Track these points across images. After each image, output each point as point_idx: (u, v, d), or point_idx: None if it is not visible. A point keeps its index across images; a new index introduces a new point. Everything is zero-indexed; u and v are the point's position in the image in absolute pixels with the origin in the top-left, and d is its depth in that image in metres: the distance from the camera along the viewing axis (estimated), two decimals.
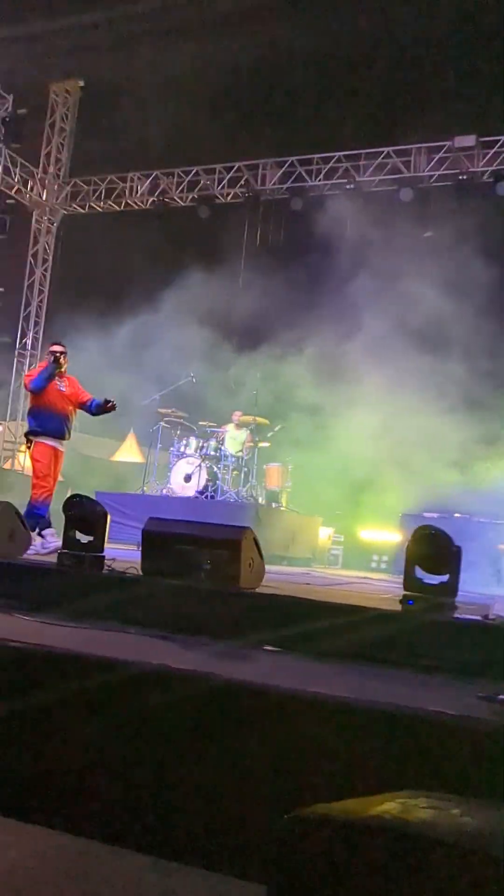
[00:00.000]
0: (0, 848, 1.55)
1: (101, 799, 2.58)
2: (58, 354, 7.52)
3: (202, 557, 4.69)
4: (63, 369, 7.55)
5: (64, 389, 7.56)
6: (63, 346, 7.72)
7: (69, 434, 7.63)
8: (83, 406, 7.71)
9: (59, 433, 7.52)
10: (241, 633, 4.16)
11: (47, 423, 7.47)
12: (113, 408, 7.65)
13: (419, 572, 4.48)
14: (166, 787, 2.62)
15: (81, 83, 18.13)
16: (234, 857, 2.17)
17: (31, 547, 6.12)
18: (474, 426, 11.89)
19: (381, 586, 8.17)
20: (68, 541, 5.11)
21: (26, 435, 7.64)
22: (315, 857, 1.03)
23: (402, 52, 14.05)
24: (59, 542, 6.16)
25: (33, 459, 7.49)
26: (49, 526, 7.33)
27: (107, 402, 7.61)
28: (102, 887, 1.53)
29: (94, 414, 7.77)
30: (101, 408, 7.65)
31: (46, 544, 7.09)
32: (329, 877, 1.02)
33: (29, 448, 7.61)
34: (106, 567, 4.97)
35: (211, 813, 2.47)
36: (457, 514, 11.55)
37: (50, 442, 7.45)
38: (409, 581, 4.43)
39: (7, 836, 1.62)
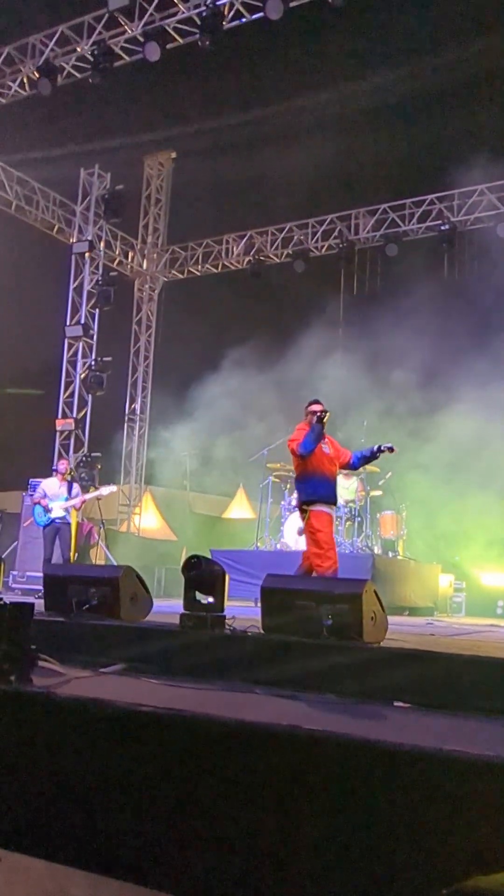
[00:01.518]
0: None
1: (250, 874, 2.52)
2: (320, 414, 6.97)
3: (323, 613, 4.62)
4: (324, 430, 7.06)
5: (328, 451, 7.07)
6: (322, 404, 7.16)
7: (336, 498, 7.20)
8: (347, 465, 7.29)
9: (332, 499, 7.08)
10: (368, 688, 4.06)
11: (320, 488, 6.96)
12: (391, 450, 7.10)
13: None
14: (306, 854, 2.54)
15: (174, 154, 18.85)
16: None
17: None
18: None
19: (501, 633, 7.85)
20: (189, 602, 5.13)
21: (300, 506, 7.15)
22: None
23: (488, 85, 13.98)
24: None
25: (314, 530, 6.92)
26: None
27: (380, 448, 7.07)
28: None
29: (356, 467, 7.41)
30: (373, 454, 7.15)
31: None
32: None
33: (303, 519, 7.13)
34: (227, 626, 4.96)
35: (355, 880, 2.37)
36: None
37: (327, 509, 6.96)
38: None
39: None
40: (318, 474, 6.94)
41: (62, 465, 10.96)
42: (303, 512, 7.09)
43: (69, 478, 10.72)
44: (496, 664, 4.35)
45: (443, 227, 15.26)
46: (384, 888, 2.36)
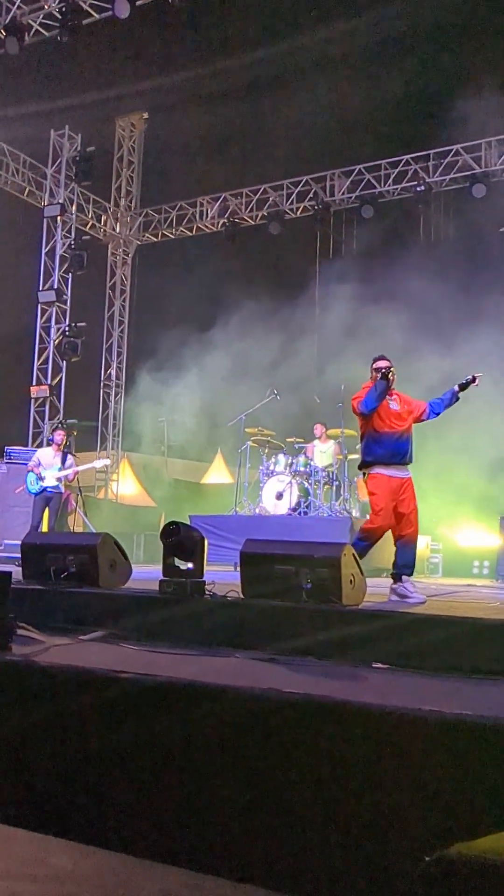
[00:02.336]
0: (133, 888, 1.53)
1: (233, 834, 2.54)
2: (384, 370, 6.53)
3: (302, 577, 4.64)
4: (391, 386, 6.58)
5: (396, 408, 6.59)
6: (388, 360, 6.72)
7: (411, 457, 6.61)
8: (424, 417, 6.74)
9: (395, 457, 6.51)
10: (348, 651, 4.09)
11: (379, 448, 6.53)
12: (473, 381, 6.60)
13: None
14: (289, 818, 2.56)
15: (146, 115, 18.51)
16: (344, 888, 2.10)
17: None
18: None
19: (487, 593, 7.95)
20: (168, 568, 5.13)
21: (360, 467, 6.90)
22: None
23: (466, 47, 13.81)
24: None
25: (369, 493, 6.62)
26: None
27: (465, 383, 6.60)
28: None
29: (439, 414, 6.77)
30: (455, 395, 6.66)
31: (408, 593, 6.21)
32: None
33: (364, 481, 6.87)
34: (207, 592, 4.97)
35: (347, 847, 2.40)
36: None
37: (385, 471, 6.48)
38: None
39: (139, 878, 1.59)
40: (379, 434, 6.52)
41: (58, 436, 11.24)
42: (364, 474, 6.75)
43: (64, 448, 11.05)
44: (473, 624, 4.39)
45: (418, 189, 15.15)
46: (365, 848, 2.39)
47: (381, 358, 6.70)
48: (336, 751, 2.74)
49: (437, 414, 6.72)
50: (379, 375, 6.52)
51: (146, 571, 7.96)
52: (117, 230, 18.58)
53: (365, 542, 6.41)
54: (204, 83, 14.67)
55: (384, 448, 6.47)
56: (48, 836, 1.72)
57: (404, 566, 6.38)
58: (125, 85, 15.34)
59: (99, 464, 12.01)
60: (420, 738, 2.63)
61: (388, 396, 6.52)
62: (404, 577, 6.26)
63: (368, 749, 2.68)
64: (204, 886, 1.65)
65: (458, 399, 6.67)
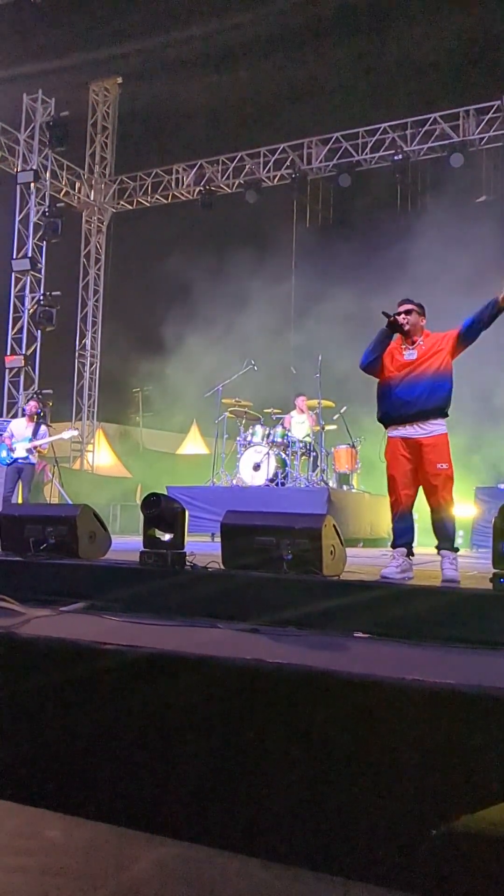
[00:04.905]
0: (125, 862, 1.53)
1: (219, 804, 2.56)
2: (391, 317, 5.47)
3: (283, 548, 4.66)
4: (406, 329, 5.45)
5: (413, 356, 5.47)
6: (411, 303, 5.60)
7: (437, 408, 5.40)
8: (462, 339, 5.40)
9: (404, 416, 5.42)
10: (329, 621, 4.12)
11: (387, 405, 5.53)
12: None
13: None
14: (278, 788, 2.58)
15: (119, 80, 18.18)
16: (356, 860, 2.14)
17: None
18: None
19: (462, 563, 8.00)
20: (148, 539, 5.12)
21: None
22: (475, 874, 0.98)
23: (443, 13, 13.66)
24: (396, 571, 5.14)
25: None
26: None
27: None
28: None
29: (477, 331, 5.35)
30: (497, 307, 5.19)
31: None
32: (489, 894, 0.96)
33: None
34: (188, 563, 4.97)
35: (324, 814, 2.43)
36: None
37: (395, 432, 5.48)
38: (498, 558, 4.31)
39: (131, 848, 1.60)
40: (384, 384, 5.56)
41: (30, 407, 11.16)
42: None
43: (40, 419, 11.00)
44: (451, 593, 4.44)
45: (396, 158, 15.05)
46: (347, 816, 2.42)
47: (402, 302, 5.65)
48: (319, 719, 2.76)
49: (476, 324, 5.33)
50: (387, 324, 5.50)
51: (123, 542, 7.96)
52: (92, 197, 18.32)
53: (393, 521, 5.61)
54: (179, 48, 14.42)
55: (390, 404, 5.49)
56: (40, 808, 1.72)
57: (439, 539, 5.42)
58: (98, 49, 15.04)
59: (67, 434, 11.97)
60: (403, 707, 2.66)
61: (406, 345, 5.52)
62: (443, 552, 5.30)
63: (351, 717, 2.70)
64: (196, 857, 1.66)
65: (499, 305, 5.19)
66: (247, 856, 1.62)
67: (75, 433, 12.70)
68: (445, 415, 5.46)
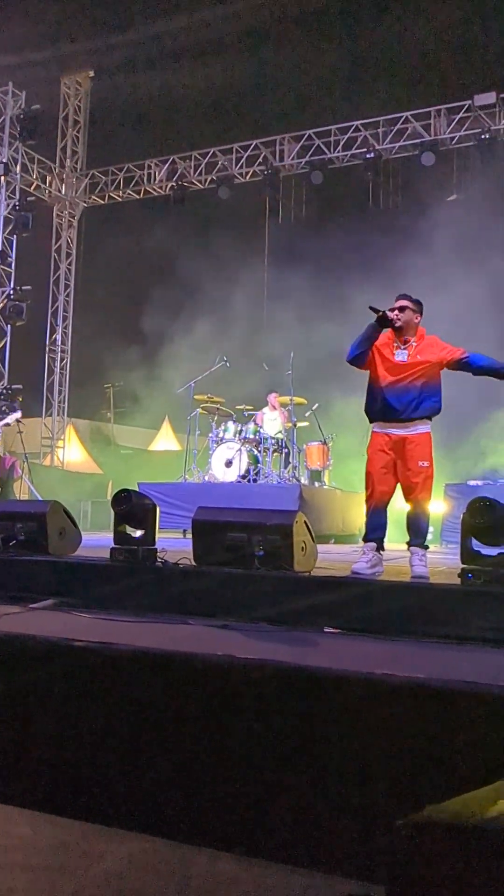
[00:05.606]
0: (95, 857, 1.54)
1: (188, 799, 2.57)
2: (378, 312, 5.36)
3: (254, 544, 4.67)
4: (397, 326, 5.38)
5: (403, 359, 5.41)
6: (407, 299, 5.53)
7: (425, 410, 5.39)
8: (461, 366, 5.39)
9: (389, 414, 5.41)
10: (300, 617, 4.14)
11: (373, 402, 5.51)
12: None
13: (475, 544, 4.42)
14: (248, 782, 2.60)
15: (91, 73, 18.06)
16: (321, 852, 2.16)
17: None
18: None
19: (431, 558, 8.05)
20: (119, 536, 5.11)
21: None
22: (437, 865, 0.99)
23: (417, 12, 13.75)
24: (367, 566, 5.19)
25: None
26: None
27: None
28: (197, 890, 1.50)
29: (476, 372, 5.39)
30: (497, 375, 5.29)
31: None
32: (453, 885, 0.98)
33: None
34: (159, 559, 4.97)
35: (293, 808, 2.45)
36: (501, 480, 11.42)
37: (378, 429, 5.49)
38: (467, 554, 4.36)
39: (101, 844, 1.60)
40: (373, 386, 5.53)
41: None
42: None
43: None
44: (420, 589, 4.49)
45: (368, 155, 15.09)
46: (315, 809, 2.44)
47: (399, 297, 5.58)
48: (290, 715, 2.78)
49: (478, 366, 5.36)
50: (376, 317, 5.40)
51: (94, 539, 7.92)
52: (63, 192, 18.18)
53: (367, 516, 5.60)
54: (151, 43, 14.37)
55: (378, 402, 5.48)
56: (10, 806, 1.72)
57: (411, 536, 5.45)
58: (70, 43, 14.95)
59: (10, 419, 11.86)
60: (373, 701, 2.68)
61: (398, 344, 5.46)
62: (413, 549, 5.36)
63: (322, 712, 2.72)
64: (165, 851, 1.66)
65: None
66: (215, 849, 1.63)
67: (18, 415, 12.51)
68: (431, 418, 5.50)
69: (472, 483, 11.37)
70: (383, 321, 5.36)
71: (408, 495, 5.47)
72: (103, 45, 14.78)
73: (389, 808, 1.26)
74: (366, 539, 5.49)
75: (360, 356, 5.48)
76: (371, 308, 5.38)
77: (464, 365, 5.37)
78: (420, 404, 5.37)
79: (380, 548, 5.49)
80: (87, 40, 14.99)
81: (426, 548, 5.42)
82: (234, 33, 14.20)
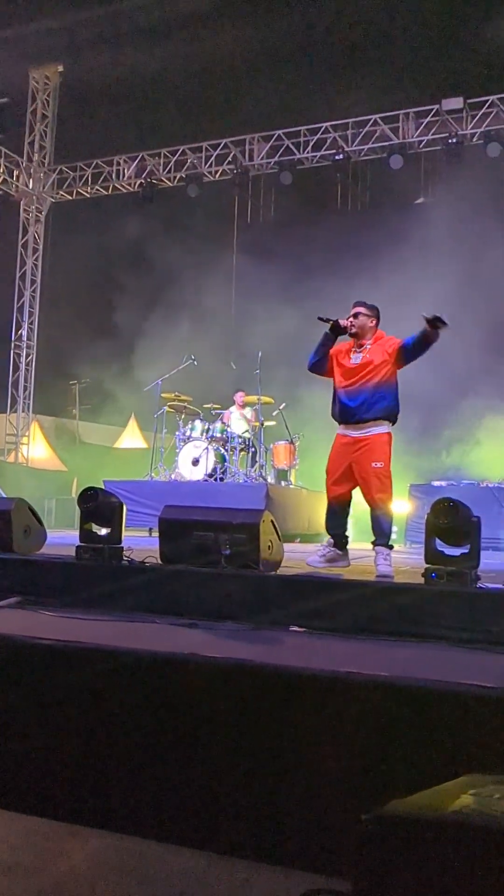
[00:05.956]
0: (55, 855, 1.54)
1: (153, 796, 2.57)
2: (329, 321, 5.57)
3: (221, 542, 4.68)
4: (353, 332, 5.56)
5: (357, 361, 5.55)
6: (363, 306, 5.65)
7: (378, 412, 5.49)
8: (401, 356, 5.48)
9: (348, 417, 5.57)
10: (266, 615, 4.16)
11: (334, 407, 5.71)
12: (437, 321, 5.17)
13: (439, 544, 4.47)
14: (212, 779, 2.61)
15: (61, 68, 17.91)
16: (287, 848, 2.18)
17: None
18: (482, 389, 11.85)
19: (395, 558, 8.13)
20: (85, 533, 5.09)
21: None
22: (402, 858, 1.02)
23: (386, 17, 13.84)
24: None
25: None
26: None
27: (434, 321, 5.15)
28: (162, 887, 1.52)
29: (412, 353, 5.44)
30: (425, 337, 5.29)
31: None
32: (418, 878, 1.00)
33: None
34: (125, 557, 4.96)
35: (258, 804, 2.46)
36: (465, 482, 11.56)
37: (341, 430, 5.66)
38: (431, 554, 4.42)
39: (63, 842, 1.61)
40: (334, 391, 5.72)
41: None
42: None
43: None
44: (384, 588, 4.53)
45: (337, 157, 15.17)
46: (282, 806, 2.46)
47: (354, 304, 5.71)
48: (255, 712, 2.80)
49: (411, 344, 5.41)
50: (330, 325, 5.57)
51: (59, 537, 7.87)
52: (30, 186, 18.01)
53: (326, 513, 5.88)
54: (122, 37, 14.29)
55: (337, 405, 5.67)
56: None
57: (375, 535, 5.59)
58: (39, 35, 14.80)
59: None
60: (337, 699, 2.71)
61: (356, 348, 5.60)
62: (377, 548, 5.48)
63: (288, 710, 2.74)
64: (131, 848, 1.67)
65: (427, 335, 5.29)
66: (179, 846, 1.65)
67: None
68: (392, 421, 5.62)
69: (436, 484, 11.50)
70: (336, 329, 5.58)
71: (366, 496, 5.63)
72: (73, 39, 14.67)
73: (354, 804, 1.28)
74: (377, 545, 5.60)
75: (317, 364, 5.74)
76: (320, 318, 5.60)
77: (405, 351, 5.49)
78: (373, 405, 5.51)
79: (339, 545, 5.61)
80: (56, 33, 14.86)
81: (390, 547, 5.54)
82: (203, 29, 14.17)
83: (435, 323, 5.17)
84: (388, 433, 5.58)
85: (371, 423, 5.53)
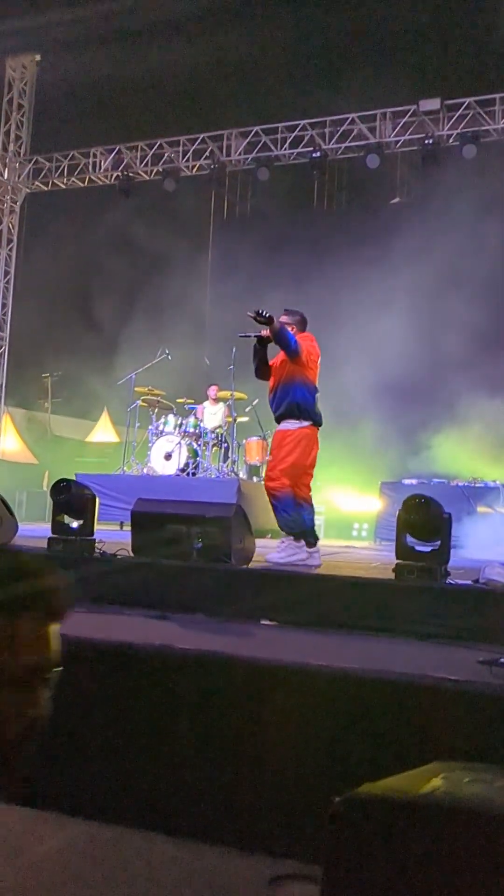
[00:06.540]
0: (33, 841, 1.55)
1: (129, 784, 2.58)
2: (249, 336, 6.04)
3: (193, 536, 4.70)
4: (268, 339, 5.90)
5: (276, 364, 6.05)
6: (285, 313, 6.07)
7: (287, 409, 5.85)
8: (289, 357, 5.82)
9: (276, 415, 6.03)
10: (237, 608, 4.18)
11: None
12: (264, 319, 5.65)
13: (410, 540, 4.52)
14: (183, 766, 2.63)
15: (38, 57, 17.76)
16: (258, 833, 2.20)
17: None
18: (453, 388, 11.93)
19: (366, 554, 8.24)
20: (57, 525, 5.08)
21: None
22: (374, 840, 1.04)
23: (366, 16, 13.89)
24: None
25: None
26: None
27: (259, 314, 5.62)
28: (132, 870, 1.53)
29: (279, 343, 5.79)
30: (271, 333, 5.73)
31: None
32: (390, 860, 1.02)
33: None
34: (97, 550, 4.95)
35: (228, 791, 2.48)
36: (435, 480, 11.65)
37: (279, 426, 6.05)
38: (402, 549, 4.46)
39: (38, 828, 1.61)
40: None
41: None
42: None
43: None
44: (356, 583, 4.57)
45: (314, 155, 15.19)
46: (256, 793, 2.48)
47: (283, 312, 6.10)
48: (226, 703, 2.82)
49: (276, 343, 5.80)
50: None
51: (29, 529, 7.82)
52: (5, 176, 17.85)
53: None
54: (100, 27, 14.18)
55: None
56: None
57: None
58: (15, 24, 14.65)
59: None
60: (308, 691, 2.74)
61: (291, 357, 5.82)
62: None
63: (259, 701, 2.77)
64: (104, 836, 1.68)
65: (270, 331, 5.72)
66: (149, 831, 1.66)
67: None
68: (304, 417, 5.88)
69: (406, 482, 11.58)
70: (261, 340, 5.94)
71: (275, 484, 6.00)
72: (50, 28, 14.52)
73: (325, 791, 1.30)
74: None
75: (256, 372, 6.17)
76: (241, 336, 6.21)
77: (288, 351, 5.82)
78: (280, 403, 5.92)
79: (307, 540, 5.77)
80: (33, 23, 14.71)
81: (301, 540, 5.72)
82: (182, 23, 14.12)
83: (256, 319, 5.65)
84: (299, 429, 5.85)
85: (282, 420, 5.93)
